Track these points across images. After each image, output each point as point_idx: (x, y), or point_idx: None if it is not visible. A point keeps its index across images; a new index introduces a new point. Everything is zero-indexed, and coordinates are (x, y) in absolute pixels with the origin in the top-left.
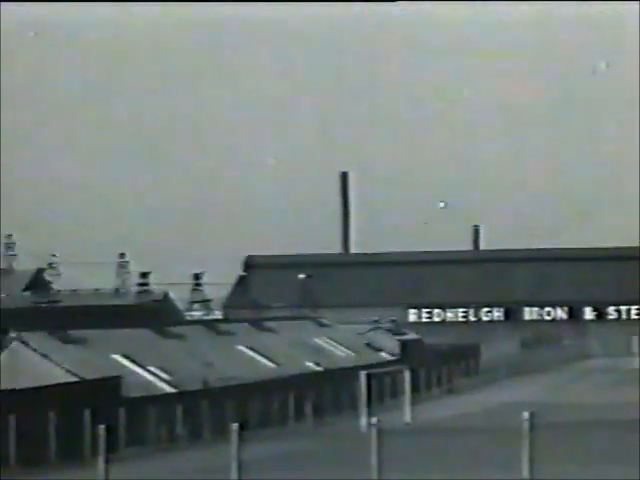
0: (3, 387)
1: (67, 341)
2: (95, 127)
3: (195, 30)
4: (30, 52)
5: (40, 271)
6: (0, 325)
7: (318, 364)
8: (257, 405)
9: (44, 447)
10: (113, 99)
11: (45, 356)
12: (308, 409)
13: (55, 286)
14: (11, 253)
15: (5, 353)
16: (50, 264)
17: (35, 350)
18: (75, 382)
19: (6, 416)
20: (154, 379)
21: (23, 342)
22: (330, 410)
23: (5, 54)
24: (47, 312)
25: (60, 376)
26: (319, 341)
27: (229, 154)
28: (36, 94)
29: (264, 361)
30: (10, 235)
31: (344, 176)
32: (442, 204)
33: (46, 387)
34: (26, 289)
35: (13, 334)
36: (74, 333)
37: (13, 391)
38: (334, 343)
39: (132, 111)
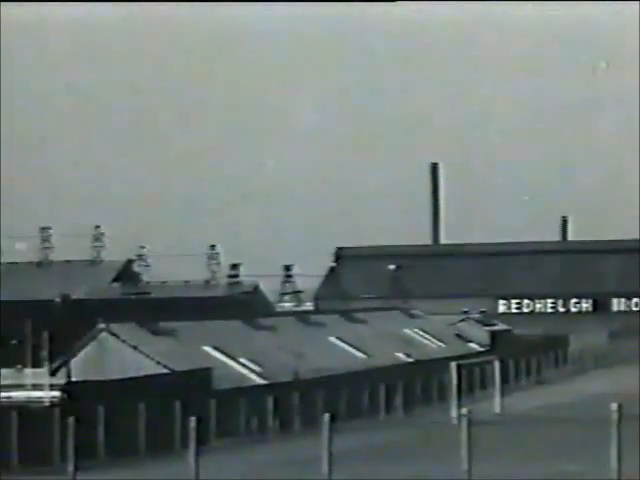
0: (91, 378)
1: (157, 333)
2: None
3: (195, 31)
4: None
5: (129, 262)
6: (89, 316)
7: (408, 355)
8: (347, 396)
9: (134, 439)
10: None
11: (135, 348)
12: (398, 400)
13: (144, 277)
14: (100, 244)
15: (94, 344)
16: (139, 255)
17: (124, 341)
18: (165, 374)
19: (95, 407)
20: (245, 371)
21: (112, 333)
22: (420, 401)
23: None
24: (136, 304)
25: (150, 368)
26: (409, 332)
27: (317, 144)
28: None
29: (354, 352)
30: (98, 226)
31: (434, 167)
32: (526, 197)
33: (136, 379)
34: (115, 280)
35: (102, 325)
36: (164, 325)
37: (102, 382)
38: (424, 334)
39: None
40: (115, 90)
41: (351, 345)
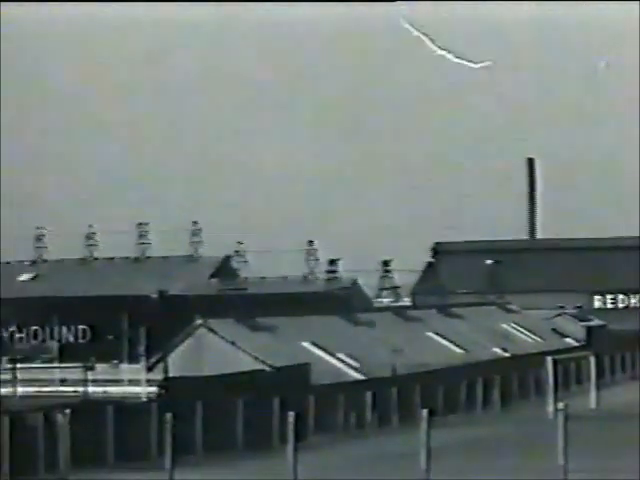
0: (189, 374)
1: (255, 328)
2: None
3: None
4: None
5: (227, 258)
6: (187, 312)
7: (505, 350)
8: (444, 391)
9: (231, 435)
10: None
11: (233, 343)
12: (495, 395)
13: (243, 273)
14: (198, 240)
15: (191, 340)
16: (237, 251)
17: (222, 337)
18: (263, 370)
19: (193, 403)
20: (343, 366)
21: (210, 329)
22: (517, 396)
23: None
24: (234, 299)
25: (248, 364)
26: (506, 327)
27: (412, 137)
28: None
29: (452, 347)
30: (196, 222)
31: (530, 162)
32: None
33: (234, 375)
34: (213, 276)
35: (199, 321)
36: (262, 320)
37: (200, 378)
38: (520, 329)
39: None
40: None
41: (448, 340)
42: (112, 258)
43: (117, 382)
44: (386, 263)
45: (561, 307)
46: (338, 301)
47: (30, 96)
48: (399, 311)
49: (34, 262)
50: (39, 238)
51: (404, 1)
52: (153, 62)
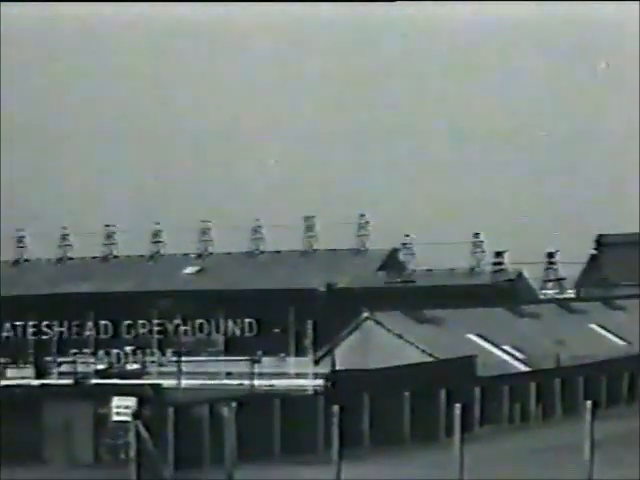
0: (355, 367)
1: (422, 321)
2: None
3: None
4: None
5: (395, 251)
6: (354, 305)
7: None
8: (608, 383)
9: (398, 427)
10: None
11: (400, 336)
12: None
13: (410, 266)
14: (364, 233)
15: (358, 333)
16: (404, 244)
17: (389, 330)
18: (430, 362)
19: (360, 396)
20: (508, 358)
21: (377, 322)
22: None
23: None
24: (401, 292)
25: (415, 356)
26: None
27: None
28: None
29: (614, 339)
30: (363, 215)
31: None
32: None
33: (401, 367)
34: (380, 269)
35: (366, 314)
36: (429, 313)
37: (366, 371)
38: None
39: None
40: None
41: (611, 332)
42: (279, 251)
43: (283, 375)
44: (551, 255)
45: None
46: (503, 293)
47: None
48: (563, 303)
49: (199, 255)
50: (204, 231)
51: (404, 1)
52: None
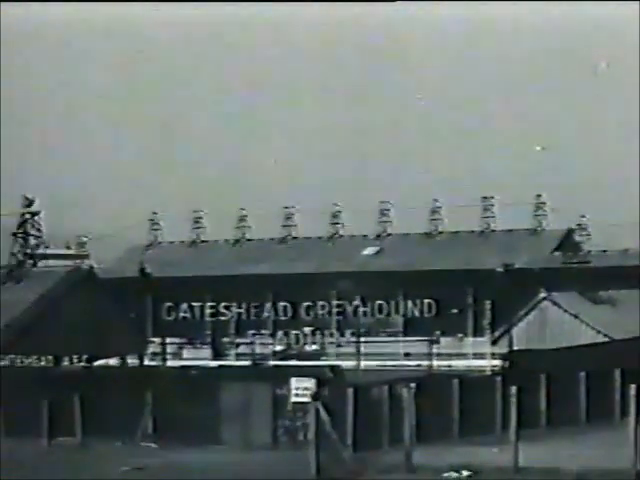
0: (533, 347)
1: (597, 302)
2: None
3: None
4: None
5: (570, 232)
6: (531, 285)
7: None
8: None
9: (574, 408)
10: None
11: (575, 316)
12: None
13: (585, 247)
14: (542, 213)
15: (535, 313)
16: (580, 225)
17: (565, 310)
18: (605, 342)
19: (537, 376)
20: None
21: (553, 302)
22: None
23: None
24: (577, 272)
25: (590, 336)
26: None
27: None
28: None
29: None
30: (539, 195)
31: None
32: None
33: (577, 347)
34: (556, 250)
35: (543, 294)
36: (604, 294)
37: (543, 351)
38: None
39: None
40: None
41: None
42: (457, 232)
43: (462, 356)
44: None
45: None
46: None
47: None
48: None
49: (378, 236)
50: (384, 212)
51: (404, 1)
52: None
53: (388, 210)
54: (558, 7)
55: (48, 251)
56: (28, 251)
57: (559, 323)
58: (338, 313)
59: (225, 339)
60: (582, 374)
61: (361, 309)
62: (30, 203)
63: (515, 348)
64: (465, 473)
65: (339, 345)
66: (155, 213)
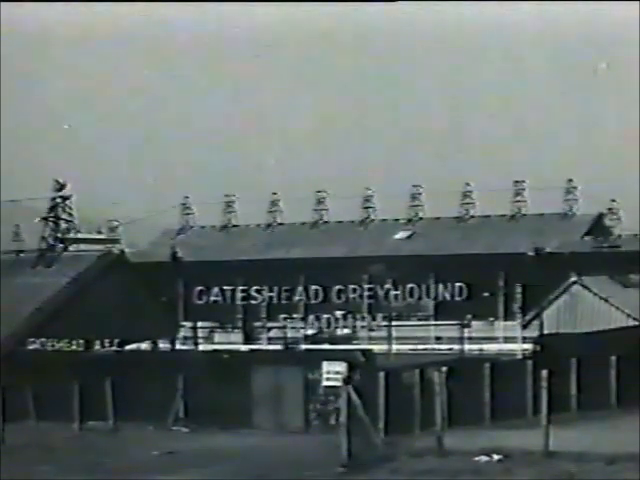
0: (564, 330)
1: (627, 285)
2: None
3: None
4: None
5: (601, 216)
6: (561, 269)
7: None
8: None
9: (605, 392)
10: None
11: (606, 300)
12: None
13: (616, 231)
14: (572, 197)
15: (566, 297)
16: (610, 209)
17: (596, 294)
18: (636, 326)
19: (568, 360)
20: None
21: (584, 286)
22: None
23: None
24: (607, 257)
25: (620, 320)
26: None
27: None
28: None
29: None
30: (571, 180)
31: None
32: None
33: (608, 331)
34: (587, 234)
35: (574, 278)
36: (634, 277)
37: (574, 335)
38: None
39: None
40: None
41: None
42: (488, 216)
43: (492, 339)
44: None
45: None
46: None
47: None
48: None
49: (410, 220)
50: (415, 197)
51: (404, 1)
52: None
53: (420, 194)
54: (558, 7)
55: (79, 235)
56: (59, 235)
57: (589, 307)
58: (369, 297)
59: (257, 323)
60: (613, 358)
61: (392, 293)
62: (61, 187)
63: (546, 332)
64: (496, 457)
65: (370, 329)
66: (187, 197)
